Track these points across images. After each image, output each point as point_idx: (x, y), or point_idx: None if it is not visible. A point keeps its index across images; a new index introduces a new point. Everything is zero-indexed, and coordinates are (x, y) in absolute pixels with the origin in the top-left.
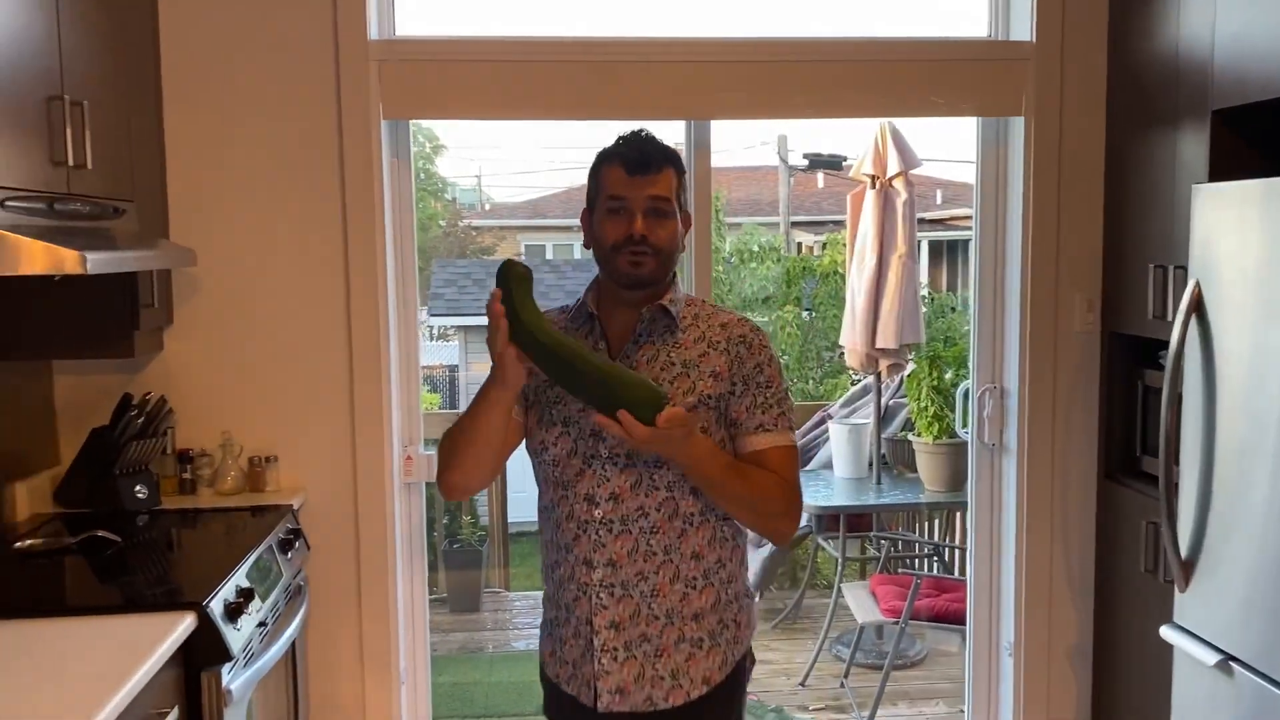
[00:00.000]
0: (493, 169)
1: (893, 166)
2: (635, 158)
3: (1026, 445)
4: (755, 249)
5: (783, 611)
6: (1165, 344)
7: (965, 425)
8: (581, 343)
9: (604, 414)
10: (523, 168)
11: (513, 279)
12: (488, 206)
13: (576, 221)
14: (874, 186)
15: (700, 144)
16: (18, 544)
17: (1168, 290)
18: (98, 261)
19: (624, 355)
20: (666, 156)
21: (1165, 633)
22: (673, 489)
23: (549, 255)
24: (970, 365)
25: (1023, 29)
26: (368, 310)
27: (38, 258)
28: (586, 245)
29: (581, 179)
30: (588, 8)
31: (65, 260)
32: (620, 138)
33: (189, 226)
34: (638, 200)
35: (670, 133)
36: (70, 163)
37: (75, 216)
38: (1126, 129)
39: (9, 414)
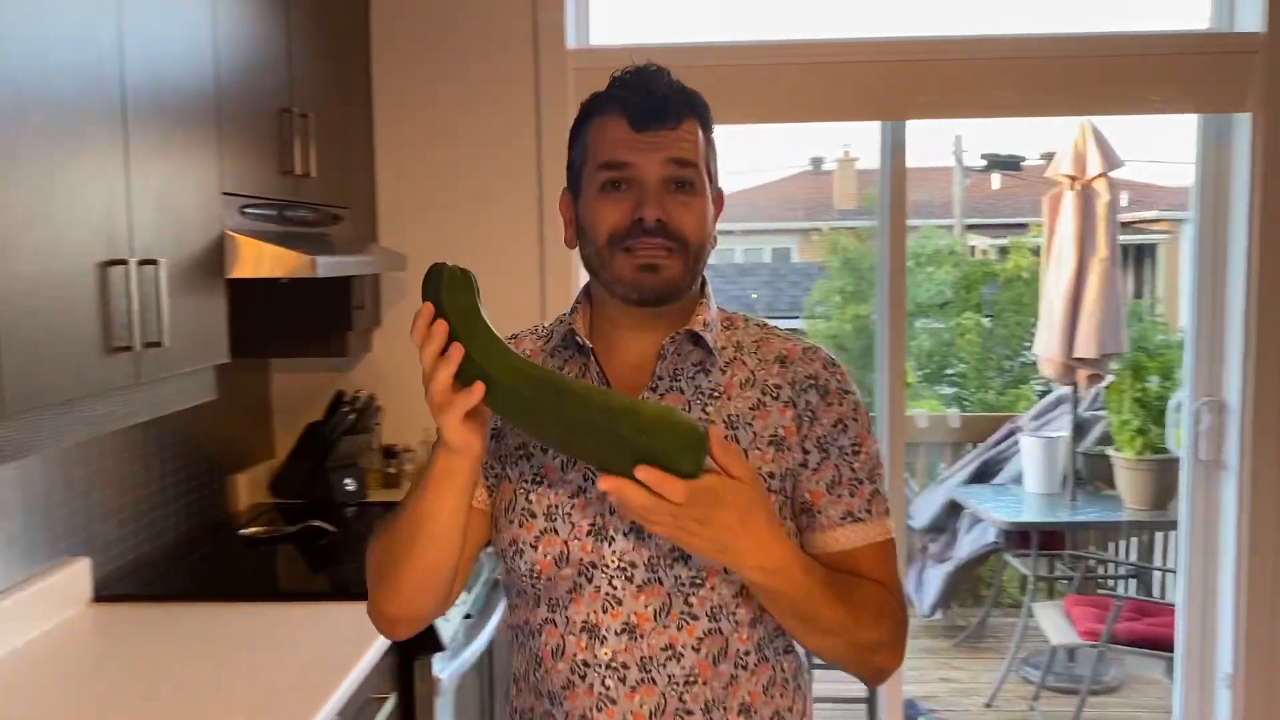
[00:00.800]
0: None
1: (1093, 167)
2: (644, 103)
3: (1249, 463)
4: (931, 252)
5: (965, 629)
6: None
7: (1177, 441)
8: (558, 373)
9: (614, 474)
10: None
11: (445, 288)
12: None
13: (756, 223)
14: (1071, 188)
15: (897, 145)
16: (242, 530)
17: None
18: (325, 265)
19: None
20: (690, 102)
21: None
22: (718, 617)
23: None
24: (1183, 377)
25: (1251, 20)
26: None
27: (273, 261)
28: (569, 243)
29: (748, 182)
30: (777, 11)
31: (297, 264)
32: (617, 76)
33: (395, 231)
34: (649, 166)
35: (862, 134)
36: (297, 171)
37: (301, 223)
38: None
39: (233, 409)
